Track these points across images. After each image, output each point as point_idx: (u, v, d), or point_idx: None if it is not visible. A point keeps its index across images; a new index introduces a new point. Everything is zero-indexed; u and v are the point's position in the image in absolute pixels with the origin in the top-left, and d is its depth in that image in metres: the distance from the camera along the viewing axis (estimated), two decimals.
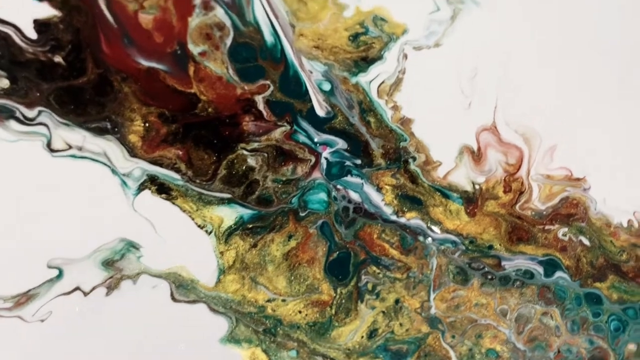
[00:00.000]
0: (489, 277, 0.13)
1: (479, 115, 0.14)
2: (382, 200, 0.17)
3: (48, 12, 0.17)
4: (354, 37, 0.13)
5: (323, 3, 0.13)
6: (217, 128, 0.13)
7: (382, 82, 0.13)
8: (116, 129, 0.16)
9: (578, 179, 0.17)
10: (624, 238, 0.13)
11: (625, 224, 0.14)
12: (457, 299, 0.13)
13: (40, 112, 0.16)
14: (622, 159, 0.14)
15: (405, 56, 0.13)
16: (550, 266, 0.13)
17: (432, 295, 0.13)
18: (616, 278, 0.17)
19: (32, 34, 0.12)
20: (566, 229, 0.14)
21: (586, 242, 0.13)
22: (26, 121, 0.15)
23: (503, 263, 0.13)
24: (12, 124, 0.15)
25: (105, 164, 0.15)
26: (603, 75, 0.14)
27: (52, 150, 0.15)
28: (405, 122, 0.13)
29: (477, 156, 0.18)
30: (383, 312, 0.13)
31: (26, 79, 0.15)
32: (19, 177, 0.15)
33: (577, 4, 0.14)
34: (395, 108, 0.13)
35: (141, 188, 0.16)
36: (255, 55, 0.13)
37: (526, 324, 0.13)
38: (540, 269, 0.14)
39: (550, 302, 0.14)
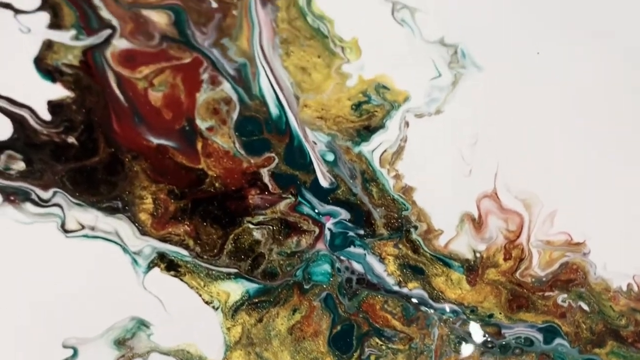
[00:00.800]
0: (489, 345, 0.19)
1: (480, 182, 0.25)
2: (384, 271, 0.23)
3: (61, 92, 0.25)
4: (357, 106, 0.20)
5: (327, 73, 0.19)
6: (223, 202, 0.24)
7: (384, 151, 0.21)
8: (127, 208, 0.22)
9: (578, 244, 0.25)
10: (624, 302, 0.23)
11: (624, 288, 0.25)
12: None
13: (54, 193, 0.22)
14: (623, 221, 0.19)
15: (407, 124, 0.20)
16: (550, 333, 0.20)
17: None
18: (615, 343, 0.24)
19: (46, 116, 0.24)
20: (566, 295, 0.24)
21: (585, 307, 0.21)
22: (41, 203, 0.21)
23: (503, 331, 0.19)
24: (28, 206, 0.22)
25: (116, 243, 0.22)
26: (603, 139, 0.20)
27: (66, 231, 0.22)
28: (407, 190, 0.20)
29: (478, 224, 0.25)
30: None
31: (41, 161, 0.22)
32: (34, 258, 0.21)
33: (577, 69, 0.20)
34: (397, 177, 0.20)
35: (151, 266, 0.22)
36: (260, 128, 0.26)
37: None
38: (540, 336, 0.20)
39: None
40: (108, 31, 0.22)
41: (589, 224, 0.22)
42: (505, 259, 0.22)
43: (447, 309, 0.21)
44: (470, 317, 0.22)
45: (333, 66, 0.22)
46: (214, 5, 0.22)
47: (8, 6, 0.21)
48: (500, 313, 0.22)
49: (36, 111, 0.21)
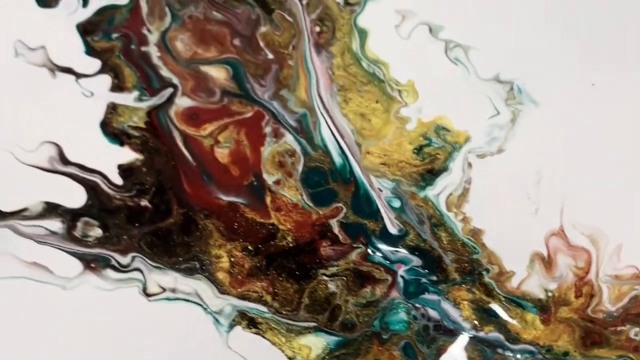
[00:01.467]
0: None
1: (546, 220, 0.35)
2: (460, 316, 0.32)
3: (130, 155, 0.33)
4: (419, 150, 0.26)
5: (386, 118, 0.26)
6: (297, 256, 0.32)
7: (450, 194, 0.27)
8: (204, 268, 0.29)
9: None
10: None
11: None
12: None
13: (133, 258, 0.30)
14: None
15: (470, 165, 0.27)
16: None
17: None
18: None
19: (118, 180, 0.32)
20: (638, 329, 0.33)
21: None
22: (121, 268, 0.29)
23: None
24: (109, 272, 0.30)
25: (197, 304, 0.29)
26: None
27: (148, 295, 0.30)
28: (476, 233, 0.27)
29: (547, 262, 0.34)
30: None
31: (117, 226, 0.30)
32: (119, 324, 0.28)
33: (633, 98, 0.26)
34: (465, 220, 0.27)
35: (233, 324, 0.29)
36: (326, 178, 0.34)
37: None
38: None
39: None
40: (170, 90, 0.30)
41: None
42: (576, 297, 0.30)
43: (523, 350, 0.29)
44: (547, 356, 0.30)
45: (392, 110, 0.31)
46: (270, 56, 0.31)
47: (69, 71, 0.29)
48: (575, 351, 0.31)
49: (107, 176, 0.29)
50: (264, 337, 0.31)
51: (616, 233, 0.34)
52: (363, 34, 0.36)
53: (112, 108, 0.32)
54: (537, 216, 0.33)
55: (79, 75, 0.35)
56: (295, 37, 0.37)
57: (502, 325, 0.32)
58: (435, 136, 0.34)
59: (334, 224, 0.33)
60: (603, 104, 0.36)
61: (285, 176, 0.33)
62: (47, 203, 0.31)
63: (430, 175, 0.34)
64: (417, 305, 0.33)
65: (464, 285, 0.33)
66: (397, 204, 0.33)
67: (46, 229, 0.31)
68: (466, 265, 0.33)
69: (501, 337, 0.32)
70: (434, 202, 0.34)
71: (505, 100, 0.36)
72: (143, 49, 0.33)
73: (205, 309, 0.31)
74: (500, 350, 0.31)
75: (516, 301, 0.33)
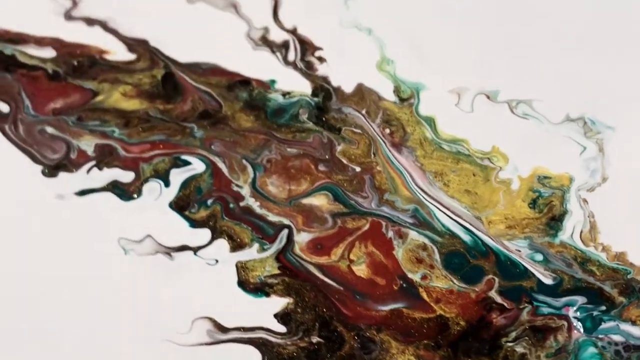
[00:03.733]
0: None
1: None
2: None
3: (280, 302, 0.66)
4: (533, 203, 0.63)
5: (490, 186, 0.62)
6: (476, 335, 0.63)
7: (581, 232, 0.65)
8: None
9: None
10: None
11: None
12: None
13: None
14: None
15: (585, 200, 0.64)
16: None
17: None
18: None
19: (280, 328, 0.63)
20: None
21: None
22: None
23: None
24: None
25: None
26: None
27: None
28: (620, 256, 0.63)
29: None
30: None
31: None
32: None
33: None
34: (605, 249, 0.63)
35: None
36: (465, 257, 0.68)
37: None
38: None
39: None
40: (285, 231, 0.59)
41: None
42: None
43: None
44: None
45: (491, 178, 0.63)
46: (357, 169, 0.62)
47: (184, 248, 0.60)
48: None
49: (269, 328, 0.54)
50: None
51: None
52: (430, 121, 0.64)
53: (242, 266, 0.57)
54: None
55: (195, 249, 0.66)
56: (371, 144, 0.62)
57: None
58: (541, 187, 0.65)
59: (493, 295, 0.60)
60: None
61: (428, 269, 0.59)
62: None
63: (554, 222, 0.63)
64: (599, 336, 0.62)
65: (632, 305, 0.64)
66: (539, 257, 0.62)
67: None
68: (625, 286, 0.64)
69: None
70: (571, 244, 0.63)
71: (584, 134, 0.75)
72: (242, 204, 0.60)
73: None
74: None
75: None
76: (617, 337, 0.69)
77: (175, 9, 0.76)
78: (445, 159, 0.72)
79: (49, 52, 0.75)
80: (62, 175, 0.67)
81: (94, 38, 0.75)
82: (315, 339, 0.58)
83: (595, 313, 0.70)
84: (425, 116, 0.73)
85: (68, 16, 0.75)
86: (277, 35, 0.76)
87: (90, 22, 0.75)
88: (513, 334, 0.68)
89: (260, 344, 0.66)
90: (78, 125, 0.71)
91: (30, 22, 0.75)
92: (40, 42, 0.75)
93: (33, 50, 0.74)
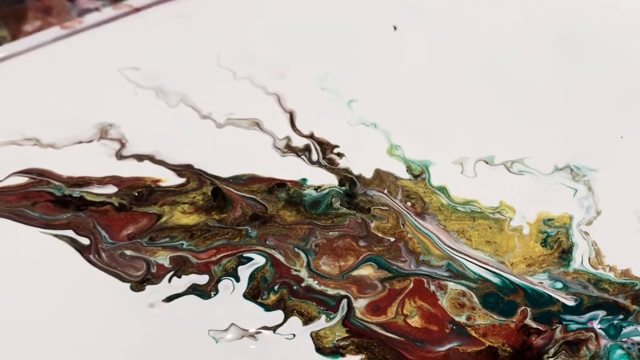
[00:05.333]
0: None
1: None
2: None
3: (355, 359, 0.77)
4: (544, 242, 0.78)
5: (505, 235, 0.78)
6: (522, 356, 0.77)
7: (589, 258, 0.89)
8: None
9: None
10: None
11: None
12: None
13: None
14: None
15: (587, 233, 0.78)
16: None
17: None
18: None
19: None
20: None
21: None
22: None
23: None
24: None
25: None
26: None
27: None
28: (626, 272, 0.72)
29: None
30: None
31: None
32: None
33: None
34: (612, 268, 0.77)
35: None
36: (499, 296, 0.83)
37: None
38: None
39: None
40: (345, 301, 0.72)
41: None
42: None
43: None
44: None
45: (505, 227, 0.76)
46: (392, 239, 0.68)
47: (265, 328, 0.75)
48: None
49: None
50: None
51: None
52: (443, 190, 0.70)
53: (316, 336, 0.76)
54: None
55: (274, 329, 0.83)
56: (398, 217, 0.79)
57: None
58: (547, 228, 0.67)
59: (529, 322, 0.68)
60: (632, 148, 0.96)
61: (471, 311, 0.75)
62: None
63: (565, 254, 0.70)
64: (623, 340, 0.72)
65: None
66: (559, 285, 0.70)
67: None
68: (635, 296, 0.73)
69: None
70: (583, 270, 0.72)
71: (573, 179, 0.93)
72: (303, 284, 0.67)
73: None
74: None
75: None
76: (637, 338, 0.86)
77: (208, 133, 0.98)
78: (463, 218, 0.91)
79: (110, 189, 0.91)
80: (148, 287, 0.84)
81: (146, 170, 0.94)
82: None
83: (615, 322, 0.86)
84: (437, 186, 0.92)
85: (119, 156, 0.93)
86: (299, 142, 0.97)
87: (139, 158, 0.94)
88: (552, 351, 0.84)
89: None
90: (151, 245, 0.87)
91: (89, 166, 0.94)
92: (101, 181, 0.91)
93: (97, 190, 0.91)
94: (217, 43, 1.00)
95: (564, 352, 0.85)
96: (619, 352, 0.84)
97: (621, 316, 0.86)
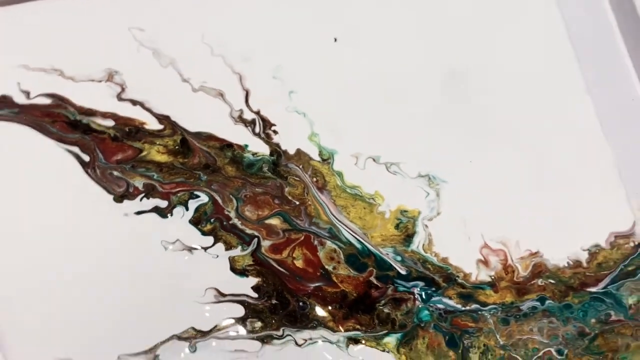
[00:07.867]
0: None
1: (476, 241, 1.20)
2: (451, 301, 1.14)
3: (255, 280, 1.10)
4: (397, 226, 1.07)
5: (373, 215, 1.11)
6: (363, 301, 1.09)
7: (423, 244, 1.16)
8: (320, 324, 1.02)
9: (534, 253, 1.23)
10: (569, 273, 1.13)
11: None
12: None
13: (283, 330, 1.00)
14: (546, 223, 1.21)
15: (426, 225, 1.05)
16: None
17: None
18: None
19: (254, 294, 1.04)
20: (541, 279, 1.24)
21: (552, 281, 1.18)
22: (278, 337, 1.14)
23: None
24: (274, 341, 1.10)
25: (327, 341, 0.97)
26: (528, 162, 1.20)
27: (298, 345, 1.09)
28: (445, 259, 1.10)
29: (485, 262, 1.05)
30: None
31: (267, 317, 1.03)
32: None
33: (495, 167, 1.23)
34: (436, 255, 0.83)
35: (348, 343, 0.98)
36: (357, 257, 0.99)
37: None
38: None
39: None
40: (256, 240, 0.99)
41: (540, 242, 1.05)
42: (505, 274, 1.16)
43: (491, 308, 1.09)
44: (502, 307, 1.13)
45: (374, 211, 1.02)
46: (297, 203, 0.85)
47: (200, 247, 1.08)
48: (515, 300, 1.17)
49: (248, 294, 0.92)
50: (368, 346, 1.13)
51: (514, 235, 1.30)
52: (340, 174, 0.85)
53: (233, 260, 1.17)
54: (471, 241, 1.25)
55: (205, 248, 1.14)
56: (305, 188, 1.11)
57: (475, 298, 0.99)
58: (402, 216, 0.99)
59: (372, 279, 0.89)
60: (479, 170, 1.30)
61: (337, 264, 1.16)
62: (234, 318, 0.98)
63: (409, 238, 0.92)
64: (430, 305, 0.97)
65: (450, 288, 0.99)
66: (399, 258, 0.92)
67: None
68: (446, 276, 0.99)
69: (479, 305, 1.21)
70: (417, 251, 0.95)
71: (429, 185, 1.30)
72: (231, 222, 0.89)
73: (330, 342, 1.12)
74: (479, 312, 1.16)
75: (477, 286, 0.94)
76: (440, 306, 1.17)
77: (185, 95, 1.16)
78: (348, 198, 1.17)
79: (109, 122, 1.12)
80: (126, 202, 1.11)
81: (137, 113, 1.16)
82: (274, 301, 1.01)
83: (429, 292, 1.15)
84: (337, 171, 1.17)
85: (119, 98, 1.13)
86: (248, 115, 1.17)
87: (133, 102, 1.14)
88: (383, 302, 1.15)
89: (241, 302, 1.16)
90: (132, 171, 1.09)
91: (96, 101, 1.13)
92: (104, 115, 1.12)
93: (100, 121, 1.13)
94: (204, 23, 1.24)
95: (390, 304, 1.19)
96: (426, 312, 1.18)
97: (434, 289, 1.20)
